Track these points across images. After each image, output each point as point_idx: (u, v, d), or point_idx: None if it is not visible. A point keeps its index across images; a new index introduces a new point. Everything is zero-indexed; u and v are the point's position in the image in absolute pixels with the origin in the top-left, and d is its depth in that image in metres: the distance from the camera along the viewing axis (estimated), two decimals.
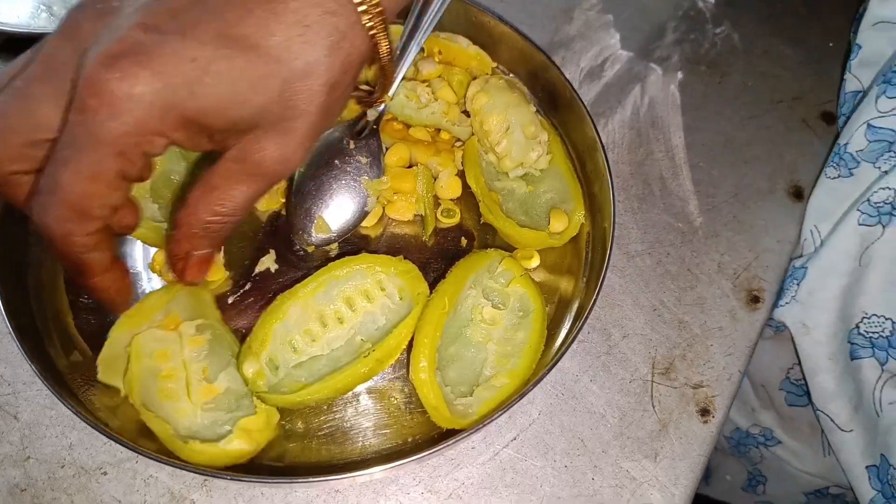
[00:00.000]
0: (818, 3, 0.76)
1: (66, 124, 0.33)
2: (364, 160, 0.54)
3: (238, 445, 0.44)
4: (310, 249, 0.54)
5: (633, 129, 0.66)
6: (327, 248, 0.54)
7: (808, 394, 0.61)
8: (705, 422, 0.53)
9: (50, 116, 0.34)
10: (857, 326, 0.56)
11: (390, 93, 0.50)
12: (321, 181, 0.54)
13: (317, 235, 0.54)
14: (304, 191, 0.54)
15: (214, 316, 0.50)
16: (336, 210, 0.54)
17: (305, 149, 0.37)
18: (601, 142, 0.54)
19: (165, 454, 0.43)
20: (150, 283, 0.52)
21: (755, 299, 0.59)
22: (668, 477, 0.51)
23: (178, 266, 0.41)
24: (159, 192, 0.53)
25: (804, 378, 0.61)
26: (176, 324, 0.47)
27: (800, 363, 0.60)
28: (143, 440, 0.44)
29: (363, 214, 0.55)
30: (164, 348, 0.46)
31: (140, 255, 0.53)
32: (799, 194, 0.64)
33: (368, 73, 0.54)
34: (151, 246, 0.53)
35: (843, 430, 0.59)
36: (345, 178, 0.54)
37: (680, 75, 0.70)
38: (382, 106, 0.54)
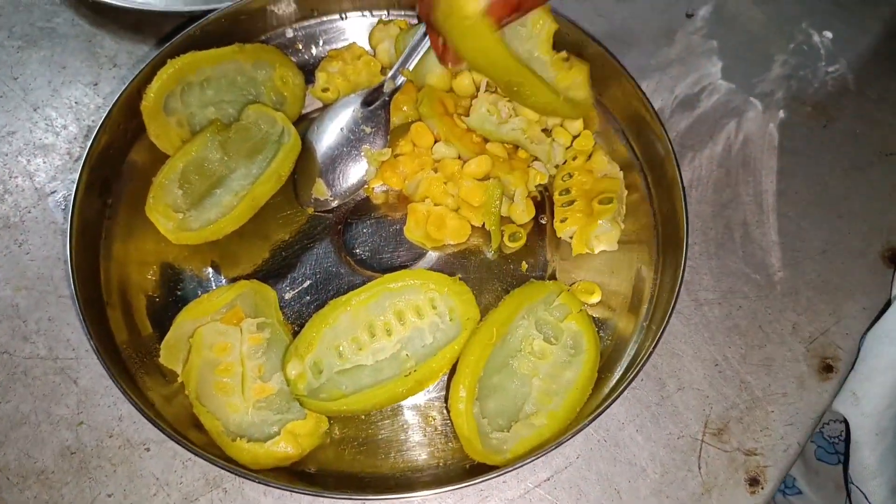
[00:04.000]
0: None
1: None
2: (369, 130, 0.56)
3: (283, 448, 0.45)
4: (308, 211, 0.56)
5: (721, 167, 0.62)
6: (324, 212, 0.57)
7: (841, 456, 0.57)
8: (753, 493, 0.50)
9: None
10: None
11: (409, 65, 0.56)
12: (326, 146, 0.57)
13: (314, 198, 0.56)
14: (308, 155, 0.57)
15: (276, 317, 0.51)
16: (335, 175, 0.56)
17: None
18: (683, 187, 0.52)
19: (210, 447, 0.44)
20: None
21: (828, 368, 0.55)
22: None
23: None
24: (188, 178, 0.53)
25: (846, 450, 0.57)
26: (239, 319, 0.49)
27: (847, 434, 0.56)
28: (189, 428, 0.46)
29: (361, 182, 0.56)
30: (225, 342, 0.48)
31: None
32: (895, 259, 0.59)
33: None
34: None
35: None
36: (347, 146, 0.56)
37: (781, 114, 0.65)
38: (401, 79, 0.57)
